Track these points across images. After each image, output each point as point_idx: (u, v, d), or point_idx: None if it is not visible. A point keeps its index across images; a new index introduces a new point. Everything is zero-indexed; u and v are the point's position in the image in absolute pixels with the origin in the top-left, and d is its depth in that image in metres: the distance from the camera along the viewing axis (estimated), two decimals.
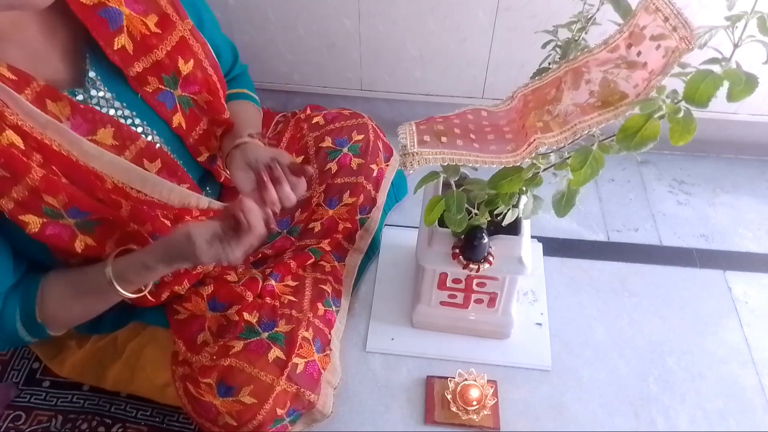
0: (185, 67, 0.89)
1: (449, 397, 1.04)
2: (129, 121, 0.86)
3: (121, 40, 0.82)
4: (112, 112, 0.85)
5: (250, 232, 0.79)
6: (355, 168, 1.21)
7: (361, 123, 1.25)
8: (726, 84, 0.59)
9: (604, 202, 1.43)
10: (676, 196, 1.44)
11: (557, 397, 1.08)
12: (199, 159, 1.00)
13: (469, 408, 1.02)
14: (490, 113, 0.87)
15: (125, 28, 0.82)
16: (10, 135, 0.71)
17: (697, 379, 1.10)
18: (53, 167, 0.76)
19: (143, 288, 0.86)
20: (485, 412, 1.03)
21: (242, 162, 0.91)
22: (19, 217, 0.75)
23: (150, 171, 0.86)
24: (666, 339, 1.16)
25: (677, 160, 1.52)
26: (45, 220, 0.76)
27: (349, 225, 1.19)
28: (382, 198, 1.25)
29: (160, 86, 0.88)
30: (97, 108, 0.83)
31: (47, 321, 0.84)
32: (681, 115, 0.61)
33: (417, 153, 0.76)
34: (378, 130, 1.28)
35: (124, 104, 0.86)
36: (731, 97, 0.59)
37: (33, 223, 0.76)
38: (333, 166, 1.20)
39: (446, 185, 0.90)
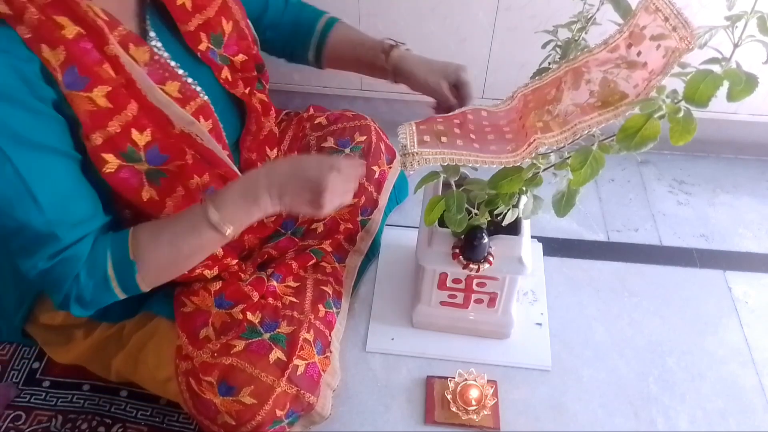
0: (227, 27, 0.95)
1: (449, 397, 1.04)
2: (183, 80, 0.89)
3: None
4: None
5: (352, 182, 0.88)
6: None
7: (364, 124, 1.25)
8: (726, 84, 0.59)
9: (604, 202, 1.43)
10: (676, 196, 1.44)
11: (557, 397, 1.08)
12: (255, 103, 1.04)
13: (469, 408, 1.02)
14: (490, 113, 0.87)
15: None
16: (108, 68, 0.75)
17: (697, 379, 1.10)
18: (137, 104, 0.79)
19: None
20: (485, 412, 1.03)
21: (420, 80, 1.06)
22: (102, 154, 0.77)
23: (204, 129, 0.89)
24: (666, 339, 1.16)
25: (677, 160, 1.52)
26: (122, 162, 0.79)
27: (350, 226, 1.19)
28: (383, 200, 1.25)
29: (209, 45, 0.93)
30: (167, 63, 0.87)
31: (139, 259, 0.80)
32: (681, 115, 0.61)
33: (417, 153, 0.76)
34: (381, 132, 1.28)
35: (179, 64, 0.89)
36: (731, 97, 0.59)
37: (111, 162, 0.78)
38: None
39: (446, 185, 0.90)
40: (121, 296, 0.83)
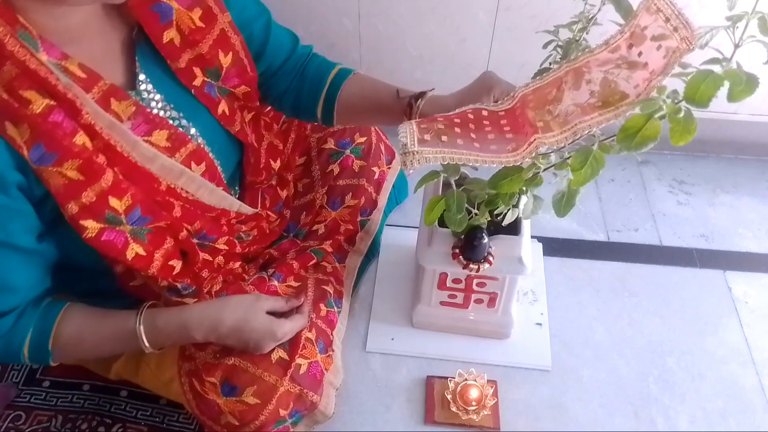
0: (225, 60, 0.89)
1: (449, 397, 1.04)
2: (177, 123, 0.86)
3: (170, 34, 0.82)
4: (162, 114, 0.84)
5: (302, 318, 0.97)
6: (356, 170, 1.21)
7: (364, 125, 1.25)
8: (726, 84, 0.59)
9: (604, 202, 1.43)
10: (676, 196, 1.44)
11: (557, 397, 1.08)
12: (249, 140, 1.00)
13: (469, 408, 1.02)
14: (491, 112, 0.87)
15: (174, 22, 0.82)
16: (83, 136, 0.72)
17: (697, 379, 1.10)
18: (115, 169, 0.76)
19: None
20: (485, 412, 1.03)
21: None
22: (80, 222, 0.74)
23: (196, 174, 0.87)
24: (666, 339, 1.16)
25: (677, 160, 1.52)
26: (103, 225, 0.76)
27: (351, 227, 1.19)
28: (383, 200, 1.25)
29: (204, 78, 0.88)
30: (153, 111, 0.83)
31: (56, 349, 0.82)
32: (681, 115, 0.61)
33: (417, 152, 0.76)
34: (380, 133, 1.28)
35: (172, 105, 0.85)
36: (732, 97, 0.59)
37: (91, 228, 0.75)
38: (335, 168, 1.21)
39: (446, 185, 0.90)
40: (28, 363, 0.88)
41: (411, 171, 0.77)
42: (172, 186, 0.83)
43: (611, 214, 1.40)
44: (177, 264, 0.88)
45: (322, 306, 1.04)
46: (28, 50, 0.67)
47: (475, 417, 1.02)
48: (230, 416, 0.89)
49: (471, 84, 0.93)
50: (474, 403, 1.02)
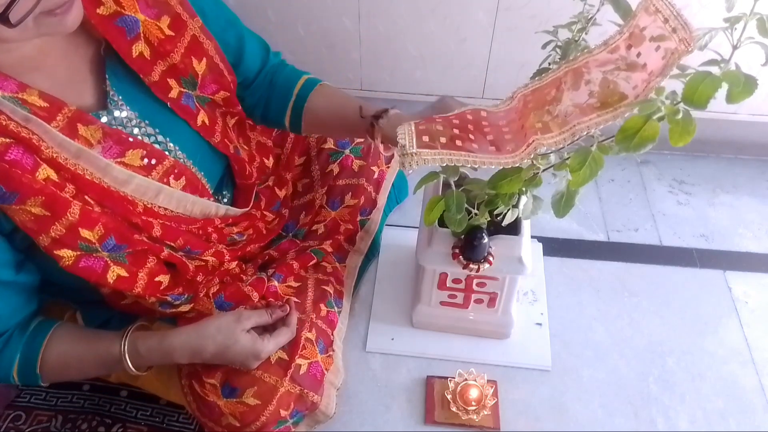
0: (199, 67, 0.87)
1: (449, 397, 1.04)
2: (153, 139, 0.85)
3: (139, 47, 0.81)
4: (136, 131, 0.83)
5: (287, 332, 0.93)
6: (356, 170, 1.21)
7: None
8: (725, 85, 0.59)
9: (604, 202, 1.43)
10: (676, 196, 1.44)
11: (557, 397, 1.08)
12: (230, 152, 0.98)
13: (469, 408, 1.02)
14: (490, 113, 0.87)
15: (142, 34, 0.80)
16: (46, 169, 0.71)
17: (697, 379, 1.10)
18: (86, 197, 0.76)
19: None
20: (485, 412, 1.03)
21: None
22: (54, 252, 0.74)
23: (176, 189, 0.87)
24: (666, 339, 1.16)
25: (677, 160, 1.52)
26: (79, 253, 0.76)
27: (351, 226, 1.19)
28: (382, 200, 1.25)
29: (181, 89, 0.87)
30: (122, 129, 0.81)
31: (44, 373, 0.83)
32: (680, 116, 0.61)
33: (416, 153, 0.76)
34: None
35: (147, 122, 0.84)
36: (730, 98, 0.59)
37: (67, 257, 0.75)
38: (335, 168, 1.21)
39: (446, 185, 0.90)
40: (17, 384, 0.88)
41: (410, 172, 0.77)
42: (149, 206, 0.83)
43: (611, 214, 1.40)
44: (164, 279, 0.88)
45: (322, 306, 1.04)
46: None
47: (475, 417, 1.02)
48: (231, 417, 0.90)
49: (430, 105, 0.93)
50: (474, 403, 1.02)
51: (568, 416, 1.06)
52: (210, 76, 0.89)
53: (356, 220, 1.20)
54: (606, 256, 1.31)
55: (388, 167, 1.27)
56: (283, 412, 0.91)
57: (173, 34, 0.83)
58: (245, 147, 1.04)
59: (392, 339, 1.16)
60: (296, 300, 1.03)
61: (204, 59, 0.88)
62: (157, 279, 0.87)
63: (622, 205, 1.42)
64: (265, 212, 1.12)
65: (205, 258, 0.95)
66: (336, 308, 1.08)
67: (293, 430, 0.97)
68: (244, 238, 1.06)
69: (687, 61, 0.66)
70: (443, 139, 0.79)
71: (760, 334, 1.17)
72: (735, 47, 0.62)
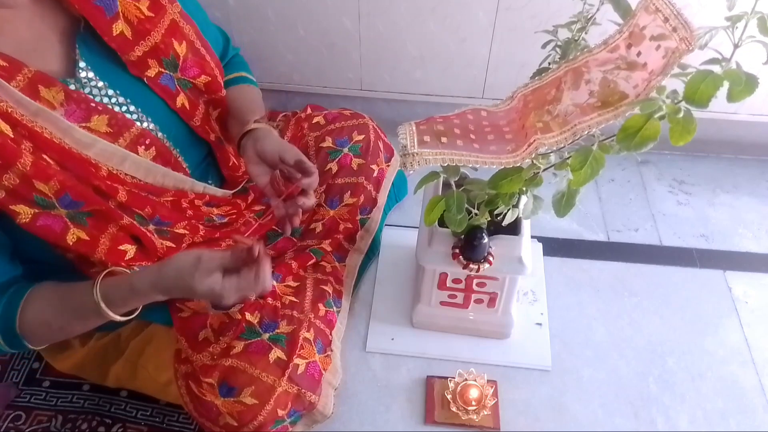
0: (180, 49, 0.89)
1: (449, 397, 1.04)
2: (123, 108, 0.86)
3: (119, 26, 0.83)
4: (105, 100, 0.84)
5: (255, 282, 0.77)
6: (355, 168, 1.21)
7: (362, 123, 1.25)
8: (726, 84, 0.59)
9: (604, 202, 1.43)
10: (676, 196, 1.44)
11: (557, 397, 1.08)
12: (210, 138, 1.00)
13: (469, 408, 1.02)
14: (490, 113, 0.87)
15: (120, 14, 0.82)
16: (2, 123, 0.71)
17: (697, 379, 1.10)
18: (45, 156, 0.76)
19: (132, 311, 0.84)
20: (485, 412, 1.03)
21: (254, 156, 0.92)
22: (10, 206, 0.74)
23: (144, 159, 0.87)
24: (666, 339, 1.16)
25: (677, 160, 1.52)
26: (36, 210, 0.76)
27: (350, 225, 1.19)
28: (382, 198, 1.25)
29: (161, 69, 0.88)
30: (90, 97, 0.83)
31: (26, 334, 0.82)
32: (681, 115, 0.61)
33: (417, 153, 0.76)
34: (379, 131, 1.28)
35: (118, 92, 0.86)
36: (731, 97, 0.59)
37: (24, 213, 0.75)
38: (333, 167, 1.20)
39: (446, 185, 0.90)
40: (11, 351, 0.85)
41: (411, 172, 0.77)
42: (115, 171, 0.83)
43: (611, 214, 1.40)
44: (129, 249, 0.87)
45: (320, 306, 1.04)
46: None
47: (475, 417, 1.02)
48: (228, 417, 0.89)
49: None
50: (474, 403, 1.02)
51: (568, 416, 1.06)
52: (192, 59, 0.91)
53: (356, 218, 1.20)
54: (606, 256, 1.31)
55: (388, 166, 1.27)
56: (280, 412, 0.91)
57: (152, 15, 0.85)
58: (219, 142, 1.05)
59: (392, 339, 1.16)
60: (294, 300, 1.03)
61: (184, 42, 0.90)
62: (121, 247, 0.86)
63: (622, 205, 1.42)
64: (252, 206, 1.12)
65: (177, 231, 0.94)
66: (335, 308, 1.08)
67: (290, 429, 0.97)
68: (225, 220, 1.06)
69: (688, 60, 0.66)
70: (444, 139, 0.79)
71: (760, 334, 1.17)
72: (736, 46, 0.62)
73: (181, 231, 0.95)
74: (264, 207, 1.13)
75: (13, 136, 0.72)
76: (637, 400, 1.08)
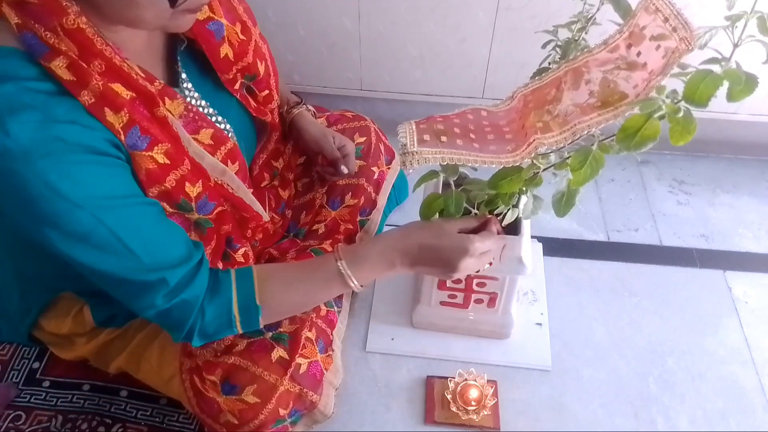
0: (261, 68, 0.96)
1: (449, 397, 1.04)
2: (214, 119, 0.89)
3: (225, 49, 0.88)
4: (202, 111, 0.87)
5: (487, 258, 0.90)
6: (356, 170, 1.21)
7: (364, 125, 1.25)
8: (726, 84, 0.59)
9: (604, 202, 1.43)
10: (676, 196, 1.44)
11: (557, 397, 1.08)
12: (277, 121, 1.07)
13: (469, 408, 1.02)
14: (490, 113, 0.87)
15: (226, 38, 0.88)
16: (158, 129, 0.74)
17: (697, 379, 1.10)
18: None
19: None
20: (485, 412, 1.03)
21: (311, 134, 1.12)
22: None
23: (232, 171, 0.89)
24: (666, 339, 1.16)
25: (677, 160, 1.52)
26: (174, 211, 0.79)
27: (350, 226, 1.19)
28: (382, 200, 1.25)
29: (242, 81, 0.94)
30: (201, 111, 0.86)
31: (266, 305, 0.84)
32: (681, 115, 0.61)
33: (417, 152, 0.76)
34: (380, 133, 1.28)
35: (208, 103, 0.89)
36: (731, 97, 0.59)
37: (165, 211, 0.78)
38: None
39: (446, 184, 0.90)
40: (240, 332, 0.86)
41: (411, 171, 0.77)
42: (219, 182, 0.86)
43: (611, 214, 1.40)
44: (220, 266, 0.89)
45: (321, 306, 1.04)
46: (113, 48, 0.70)
47: (475, 417, 1.02)
48: (230, 415, 0.89)
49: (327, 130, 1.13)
50: (474, 403, 1.02)
51: (568, 416, 1.06)
52: (265, 77, 0.98)
53: (356, 220, 1.20)
54: (606, 256, 1.31)
55: (389, 168, 1.27)
56: (281, 411, 0.91)
57: (245, 38, 0.92)
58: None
59: (392, 339, 1.16)
60: None
61: (263, 62, 0.97)
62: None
63: (622, 205, 1.42)
64: (273, 214, 1.13)
65: (236, 258, 0.94)
66: (336, 308, 1.08)
67: (291, 429, 0.97)
68: (257, 244, 1.07)
69: (687, 60, 0.66)
70: (444, 138, 0.79)
71: (760, 334, 1.17)
72: (736, 45, 0.62)
73: (240, 259, 0.95)
74: (280, 216, 1.15)
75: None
76: (637, 400, 1.08)
